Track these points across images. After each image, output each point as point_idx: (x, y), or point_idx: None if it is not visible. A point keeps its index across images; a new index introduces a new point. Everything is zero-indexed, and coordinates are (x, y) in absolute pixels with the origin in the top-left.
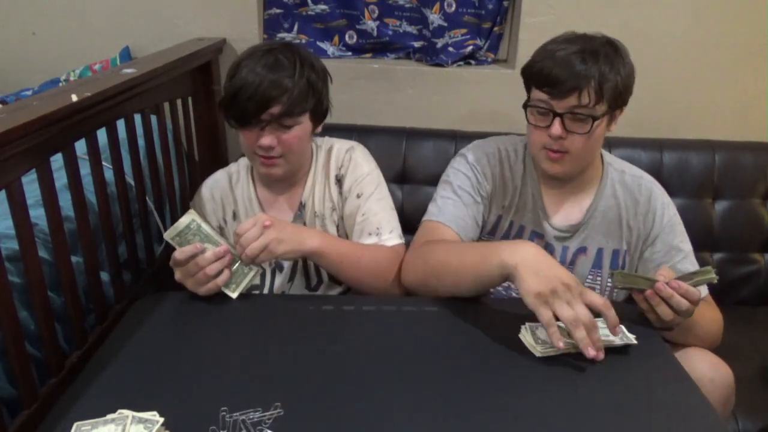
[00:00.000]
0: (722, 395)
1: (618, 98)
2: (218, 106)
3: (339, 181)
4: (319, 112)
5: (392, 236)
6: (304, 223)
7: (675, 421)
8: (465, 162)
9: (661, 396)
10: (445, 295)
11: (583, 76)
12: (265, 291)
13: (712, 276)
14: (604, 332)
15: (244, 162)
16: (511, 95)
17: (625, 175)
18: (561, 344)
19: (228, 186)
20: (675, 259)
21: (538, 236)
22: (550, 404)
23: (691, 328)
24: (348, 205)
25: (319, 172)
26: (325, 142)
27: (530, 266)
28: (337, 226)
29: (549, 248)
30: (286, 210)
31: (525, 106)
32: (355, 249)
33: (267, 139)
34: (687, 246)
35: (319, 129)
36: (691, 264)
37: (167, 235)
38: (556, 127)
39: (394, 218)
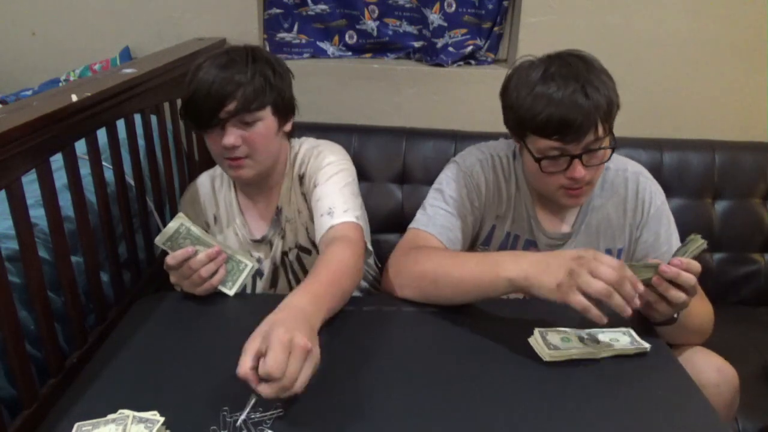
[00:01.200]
0: (727, 399)
1: (616, 115)
2: (179, 115)
3: (301, 178)
4: (281, 108)
5: (346, 215)
6: (282, 229)
7: (678, 425)
8: (459, 171)
9: (664, 400)
10: (441, 303)
11: (594, 111)
12: None
13: (702, 242)
14: (621, 339)
15: None
16: None
17: (609, 172)
18: (605, 320)
19: (211, 189)
20: (662, 249)
21: (532, 245)
22: (553, 407)
23: (688, 324)
24: (312, 199)
25: (292, 175)
26: (298, 143)
27: (538, 269)
28: (307, 229)
29: None
30: (263, 216)
31: (537, 160)
32: (331, 281)
33: (230, 138)
34: (674, 236)
35: (288, 127)
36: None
37: (158, 241)
38: (579, 170)
39: (351, 200)
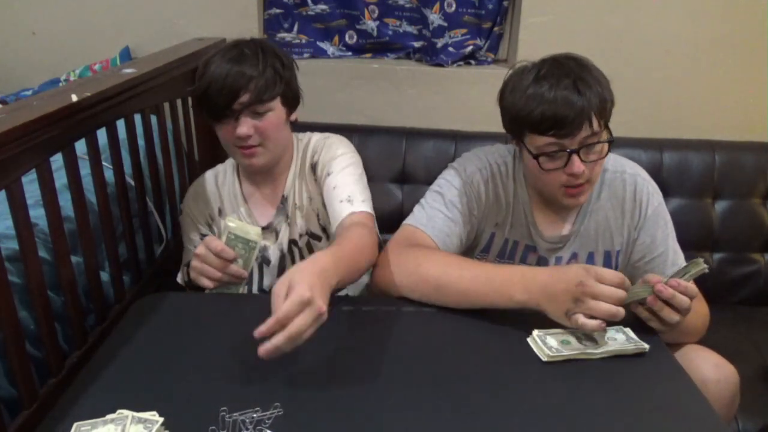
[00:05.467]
0: (727, 396)
1: (611, 111)
2: (193, 107)
3: (313, 167)
4: (289, 98)
5: (364, 205)
6: (287, 216)
7: (677, 424)
8: (458, 178)
9: (663, 399)
10: (440, 306)
11: (586, 106)
12: (254, 287)
13: (704, 267)
14: (618, 337)
15: (231, 161)
16: None
17: (606, 174)
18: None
19: (214, 184)
20: (658, 251)
21: (531, 250)
22: (553, 407)
23: (685, 326)
24: (324, 187)
25: (299, 164)
26: (305, 136)
27: (546, 297)
28: (318, 216)
29: (542, 261)
30: (268, 204)
31: (535, 156)
32: (352, 252)
33: (243, 128)
34: (671, 237)
35: (295, 117)
36: (673, 252)
37: (233, 229)
38: (578, 165)
39: (366, 192)
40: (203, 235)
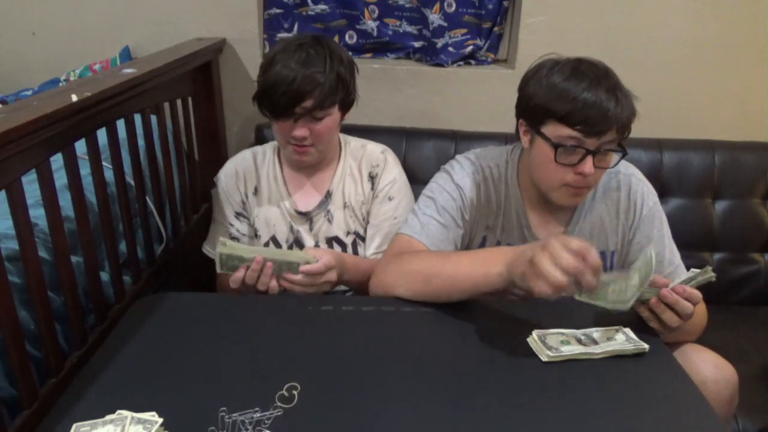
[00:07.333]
0: (726, 396)
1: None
2: (252, 99)
3: (372, 178)
4: (346, 103)
5: None
6: (327, 211)
7: (677, 424)
8: (451, 182)
9: (663, 399)
10: (432, 300)
11: (620, 112)
12: None
13: (711, 275)
14: (618, 337)
15: (271, 144)
16: (511, 95)
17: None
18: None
19: (252, 163)
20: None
21: None
22: (552, 407)
23: (684, 325)
24: (378, 203)
25: (349, 166)
26: (354, 140)
27: (513, 260)
28: (363, 218)
29: None
30: (311, 193)
31: (554, 146)
32: (366, 270)
33: (300, 131)
34: (666, 236)
35: (347, 117)
36: (670, 252)
37: (219, 270)
38: (590, 166)
39: None
40: (237, 213)
